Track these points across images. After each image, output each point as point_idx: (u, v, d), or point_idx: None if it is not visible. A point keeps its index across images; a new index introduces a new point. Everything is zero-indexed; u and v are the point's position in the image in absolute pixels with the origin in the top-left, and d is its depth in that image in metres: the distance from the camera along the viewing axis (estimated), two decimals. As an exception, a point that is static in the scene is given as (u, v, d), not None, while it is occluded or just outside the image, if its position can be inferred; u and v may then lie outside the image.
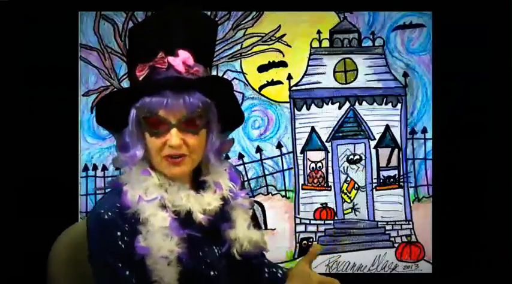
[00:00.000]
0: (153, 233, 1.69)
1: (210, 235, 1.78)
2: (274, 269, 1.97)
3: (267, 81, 3.28)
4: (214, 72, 3.27)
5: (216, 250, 1.81)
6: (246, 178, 3.28)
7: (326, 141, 3.29)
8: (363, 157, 3.30)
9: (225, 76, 3.25)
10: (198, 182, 1.81)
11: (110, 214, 1.69)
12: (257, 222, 1.95)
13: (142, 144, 1.74)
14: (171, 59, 1.71)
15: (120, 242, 1.68)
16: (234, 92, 1.84)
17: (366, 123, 3.28)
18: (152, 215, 1.70)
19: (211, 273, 1.78)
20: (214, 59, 3.25)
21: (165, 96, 1.69)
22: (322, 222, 3.28)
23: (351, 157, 3.30)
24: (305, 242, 3.27)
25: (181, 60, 1.72)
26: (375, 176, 3.30)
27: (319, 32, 3.27)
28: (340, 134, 3.29)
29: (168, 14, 1.77)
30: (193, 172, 1.81)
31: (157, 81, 1.70)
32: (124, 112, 1.74)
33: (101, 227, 1.70)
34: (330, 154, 3.29)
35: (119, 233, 1.69)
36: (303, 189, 3.30)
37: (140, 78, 1.72)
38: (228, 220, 1.82)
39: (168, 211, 1.72)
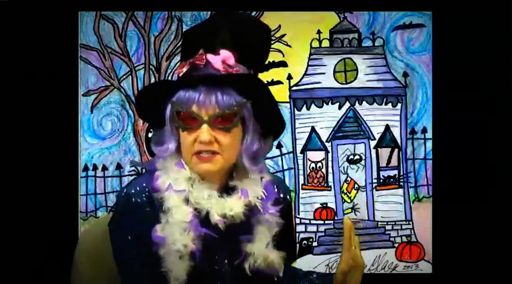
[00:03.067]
0: (172, 224, 1.70)
1: (227, 241, 1.77)
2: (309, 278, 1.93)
3: (267, 81, 3.28)
4: (214, 72, 3.27)
5: (227, 258, 1.79)
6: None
7: (326, 141, 3.29)
8: (363, 157, 3.30)
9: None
10: (227, 187, 1.79)
11: (138, 197, 1.73)
12: (285, 241, 1.88)
13: (176, 138, 1.76)
14: (209, 56, 1.72)
15: (141, 227, 1.71)
16: (272, 94, 1.81)
17: (366, 123, 3.28)
18: (175, 206, 1.71)
19: (219, 280, 1.77)
20: (214, 59, 3.25)
21: (199, 92, 1.70)
22: (322, 222, 3.28)
23: (351, 157, 3.30)
24: (305, 242, 3.27)
25: (221, 58, 1.72)
26: (375, 176, 3.30)
27: (319, 32, 3.27)
28: (340, 134, 3.29)
29: (216, 15, 1.80)
30: (226, 176, 1.80)
31: (192, 76, 1.72)
32: (161, 107, 1.76)
33: (128, 207, 1.73)
34: (330, 154, 3.29)
35: (142, 218, 1.71)
36: (303, 189, 3.30)
37: (180, 74, 1.75)
38: (249, 233, 1.79)
39: (190, 206, 1.73)
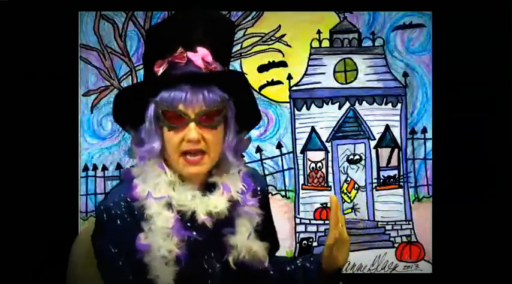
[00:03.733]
0: (154, 231, 1.70)
1: (213, 239, 1.77)
2: (297, 262, 1.92)
3: (267, 81, 3.28)
4: (214, 72, 3.27)
5: (215, 255, 1.79)
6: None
7: (326, 141, 3.29)
8: (363, 157, 3.30)
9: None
10: (207, 184, 1.79)
11: (117, 208, 1.71)
12: (267, 231, 1.89)
13: (160, 138, 1.74)
14: (190, 54, 1.73)
15: (123, 237, 1.70)
16: (251, 89, 1.84)
17: (366, 123, 3.28)
18: (157, 213, 1.71)
19: (209, 278, 1.78)
20: (214, 59, 3.25)
21: (184, 91, 1.70)
22: (322, 222, 3.28)
23: (351, 157, 3.30)
24: (305, 242, 3.27)
25: (201, 56, 1.73)
26: (375, 176, 3.30)
27: (319, 32, 3.27)
28: (340, 134, 3.29)
29: (188, 13, 1.78)
30: (206, 174, 1.80)
31: (176, 75, 1.71)
32: (141, 106, 1.74)
33: (108, 220, 1.71)
34: (330, 154, 3.29)
35: (124, 228, 1.70)
36: (303, 189, 3.30)
37: (159, 73, 1.73)
38: (231, 226, 1.80)
39: (173, 210, 1.72)
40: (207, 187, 1.79)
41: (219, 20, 1.85)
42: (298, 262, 1.91)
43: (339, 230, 1.83)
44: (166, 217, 1.71)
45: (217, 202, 1.76)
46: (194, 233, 1.73)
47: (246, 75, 1.87)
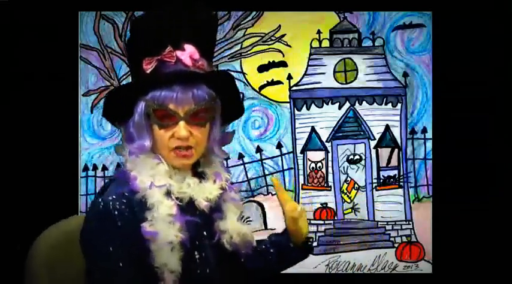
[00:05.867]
0: (158, 219, 1.73)
1: (205, 225, 1.84)
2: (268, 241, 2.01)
3: (267, 81, 3.28)
4: (214, 72, 3.27)
5: (209, 241, 1.85)
6: (246, 178, 3.28)
7: (326, 141, 3.29)
8: (363, 157, 3.30)
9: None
10: (197, 173, 1.86)
11: (117, 204, 1.72)
12: None
13: (150, 135, 1.79)
14: (179, 53, 1.76)
15: (126, 233, 1.71)
16: (237, 86, 1.89)
17: (366, 123, 3.28)
18: (159, 202, 1.75)
19: (206, 263, 1.82)
20: (215, 59, 3.25)
21: (175, 90, 1.74)
22: (322, 222, 3.28)
23: (351, 157, 3.30)
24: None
25: (188, 54, 1.77)
26: (375, 176, 3.30)
27: (319, 32, 3.27)
28: (340, 134, 3.29)
29: (173, 9, 1.81)
30: (194, 164, 1.86)
31: (167, 74, 1.75)
32: (131, 105, 1.78)
33: (109, 215, 1.72)
34: (330, 154, 3.29)
35: (125, 222, 1.72)
36: (303, 189, 3.30)
37: (148, 71, 1.77)
38: (219, 211, 1.87)
39: (172, 198, 1.77)
40: (198, 176, 1.85)
41: (204, 15, 1.87)
42: (265, 240, 2.00)
43: (292, 205, 1.93)
44: (168, 204, 1.75)
45: (212, 189, 1.83)
46: (195, 218, 1.78)
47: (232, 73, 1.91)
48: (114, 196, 1.74)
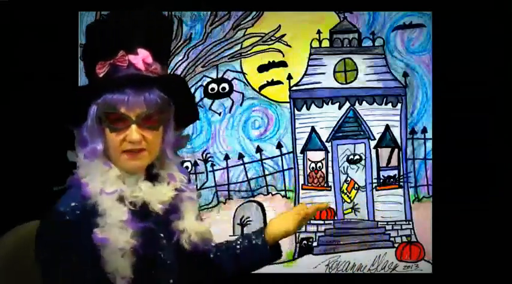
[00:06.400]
0: (110, 225, 1.74)
1: (163, 226, 1.85)
2: (235, 244, 2.03)
3: (267, 81, 3.28)
4: (214, 72, 3.27)
5: (167, 242, 1.87)
6: (246, 178, 3.29)
7: (326, 141, 3.29)
8: (363, 157, 3.30)
9: (224, 76, 3.27)
10: (151, 175, 1.87)
11: (69, 212, 1.74)
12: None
13: (102, 139, 1.80)
14: (131, 57, 1.77)
15: (78, 241, 1.73)
16: (190, 90, 1.93)
17: (366, 123, 3.28)
18: (110, 208, 1.76)
19: (166, 262, 1.85)
20: (215, 59, 3.26)
21: (126, 93, 1.74)
22: (322, 222, 3.28)
23: (351, 157, 3.30)
24: (305, 242, 3.27)
25: (141, 58, 1.77)
26: (375, 176, 3.30)
27: (319, 32, 3.27)
28: (340, 134, 3.29)
29: (128, 13, 1.83)
30: (147, 166, 1.87)
31: (119, 78, 1.76)
32: (84, 108, 1.80)
33: (60, 226, 1.74)
34: (330, 154, 3.29)
35: (77, 232, 1.73)
36: (303, 189, 3.30)
37: (100, 75, 1.78)
38: (176, 212, 1.88)
39: (125, 203, 1.78)
40: (153, 179, 1.86)
41: (158, 19, 1.88)
42: (242, 241, 2.02)
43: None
44: (120, 210, 1.76)
45: (166, 191, 1.84)
46: (148, 223, 1.79)
47: (184, 78, 1.92)
48: (66, 205, 1.75)
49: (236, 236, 2.06)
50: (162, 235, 1.86)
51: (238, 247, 2.01)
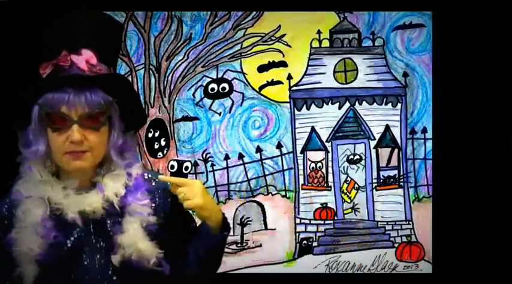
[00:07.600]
0: (24, 228, 1.77)
1: (104, 237, 1.81)
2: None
3: (267, 81, 3.28)
4: (214, 72, 3.27)
5: (104, 253, 1.82)
6: (246, 178, 3.29)
7: (326, 141, 3.29)
8: (363, 157, 3.30)
9: (224, 76, 3.27)
10: (92, 183, 1.84)
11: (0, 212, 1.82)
12: (178, 223, 1.92)
13: (45, 140, 1.79)
14: (74, 57, 1.77)
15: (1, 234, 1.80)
16: (135, 91, 1.93)
17: (366, 123, 3.28)
18: (26, 211, 1.78)
19: (101, 273, 1.81)
20: (215, 59, 3.26)
21: (67, 93, 1.74)
22: (322, 222, 3.28)
23: (351, 157, 3.30)
24: (305, 242, 3.27)
25: (84, 58, 1.77)
26: (375, 176, 3.30)
27: (319, 32, 3.27)
28: (340, 134, 3.29)
29: (73, 15, 1.85)
30: (92, 173, 1.84)
31: (60, 78, 1.76)
32: (27, 109, 1.80)
33: None
34: (330, 154, 3.29)
35: (3, 226, 1.80)
36: (303, 189, 3.30)
37: (44, 76, 1.79)
38: (119, 224, 1.82)
39: (47, 209, 1.78)
40: (90, 186, 1.83)
41: (104, 21, 1.88)
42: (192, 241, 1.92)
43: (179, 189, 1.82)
44: (35, 214, 1.77)
45: (92, 201, 1.79)
46: (60, 233, 1.78)
47: (128, 78, 1.91)
48: (2, 200, 1.83)
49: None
50: (99, 245, 1.82)
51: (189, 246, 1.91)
